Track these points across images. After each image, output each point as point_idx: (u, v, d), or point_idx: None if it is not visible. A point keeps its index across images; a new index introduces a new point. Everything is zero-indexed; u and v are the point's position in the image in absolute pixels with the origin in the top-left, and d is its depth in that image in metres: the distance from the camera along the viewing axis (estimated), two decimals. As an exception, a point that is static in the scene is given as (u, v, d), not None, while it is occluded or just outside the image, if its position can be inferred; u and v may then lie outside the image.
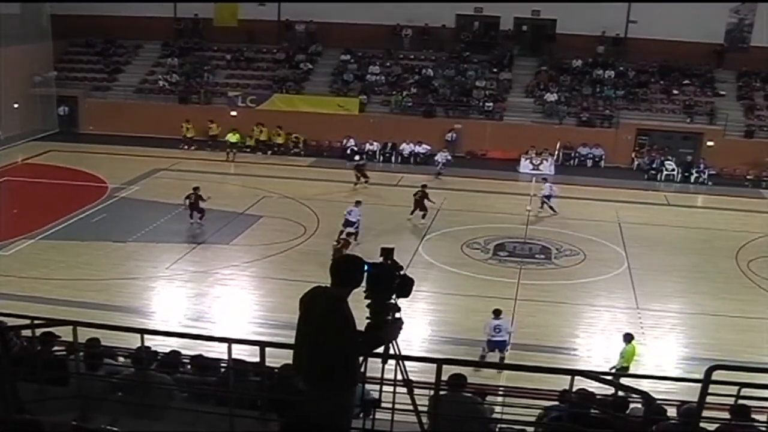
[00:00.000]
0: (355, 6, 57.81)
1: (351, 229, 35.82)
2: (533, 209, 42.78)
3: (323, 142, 55.52)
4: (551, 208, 42.82)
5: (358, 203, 37.33)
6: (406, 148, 54.73)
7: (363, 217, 36.85)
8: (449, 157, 50.98)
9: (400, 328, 8.95)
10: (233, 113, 56.31)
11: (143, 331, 11.90)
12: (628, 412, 12.48)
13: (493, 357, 25.50)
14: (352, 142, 54.50)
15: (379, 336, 8.75)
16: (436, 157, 51.05)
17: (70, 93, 59.44)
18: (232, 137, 53.02)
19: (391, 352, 9.11)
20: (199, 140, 55.36)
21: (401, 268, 9.08)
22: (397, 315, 8.95)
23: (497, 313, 26.18)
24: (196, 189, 38.36)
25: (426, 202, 39.97)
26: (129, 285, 31.42)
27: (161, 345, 14.05)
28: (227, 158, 52.14)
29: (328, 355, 8.30)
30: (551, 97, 57.28)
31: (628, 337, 24.49)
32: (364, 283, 8.59)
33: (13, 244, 35.50)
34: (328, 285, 8.53)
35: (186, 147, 54.66)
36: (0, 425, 8.29)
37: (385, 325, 8.78)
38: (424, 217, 39.97)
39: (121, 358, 13.46)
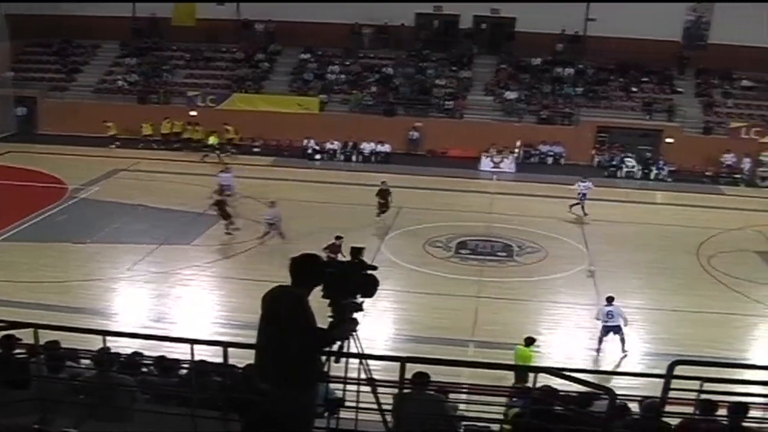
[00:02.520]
0: (315, 5, 57.60)
1: (266, 228, 36.28)
2: (576, 211, 42.65)
3: (283, 142, 55.24)
4: (583, 208, 42.53)
5: (272, 204, 37.12)
6: (367, 147, 54.72)
7: (280, 219, 36.78)
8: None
9: (353, 329, 8.95)
10: (193, 113, 55.98)
11: (105, 333, 11.80)
12: (591, 408, 12.51)
13: (614, 341, 26.83)
14: (312, 141, 54.40)
15: (331, 335, 8.77)
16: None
17: (27, 93, 58.86)
18: (213, 139, 52.79)
19: (354, 350, 9.11)
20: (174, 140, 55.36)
21: (372, 267, 9.10)
22: (355, 315, 8.98)
23: (610, 300, 27.09)
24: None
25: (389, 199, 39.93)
26: (90, 286, 31.17)
27: (123, 346, 13.96)
28: (202, 159, 51.83)
29: (289, 353, 8.30)
30: (511, 95, 57.42)
31: (528, 341, 24.27)
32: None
33: (-28, 246, 35.26)
34: (289, 284, 8.55)
35: (144, 145, 54.43)
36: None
37: (340, 325, 8.80)
38: (379, 215, 39.94)
39: (84, 360, 13.35)
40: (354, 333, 9.06)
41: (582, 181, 42.85)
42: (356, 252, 9.24)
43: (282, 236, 36.17)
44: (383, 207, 39.87)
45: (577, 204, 42.45)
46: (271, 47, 62.51)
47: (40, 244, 35.92)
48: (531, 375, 10.57)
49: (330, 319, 8.78)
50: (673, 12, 56.36)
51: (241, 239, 37.02)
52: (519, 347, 24.07)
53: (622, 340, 26.86)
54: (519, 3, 57.38)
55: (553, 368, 16.25)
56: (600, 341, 26.88)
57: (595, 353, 26.87)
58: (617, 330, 26.84)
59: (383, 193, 40.03)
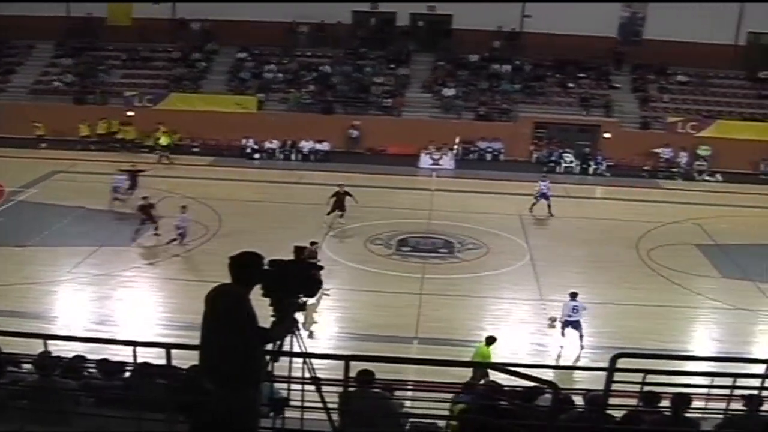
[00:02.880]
0: (251, 4, 57.26)
1: (177, 233, 35.74)
2: (537, 212, 42.40)
3: (222, 142, 54.94)
4: (549, 207, 42.25)
5: (184, 208, 36.83)
6: (306, 145, 54.62)
7: (189, 224, 36.40)
8: None
9: (292, 328, 8.95)
10: (130, 113, 55.54)
11: (46, 337, 11.71)
12: (536, 402, 12.56)
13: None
14: (251, 140, 54.23)
15: (270, 333, 8.77)
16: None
17: (-40, 96, 58.00)
18: (164, 140, 52.45)
19: (297, 349, 9.10)
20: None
21: (318, 267, 9.12)
22: (298, 314, 8.99)
23: (574, 295, 27.40)
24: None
25: (346, 201, 39.34)
26: (30, 290, 30.64)
27: (65, 350, 13.82)
28: (159, 161, 51.44)
29: (231, 353, 8.29)
30: (449, 91, 57.57)
31: (491, 340, 23.90)
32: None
33: None
34: (229, 283, 8.54)
35: (81, 146, 53.98)
36: None
37: (277, 323, 8.80)
38: (342, 216, 39.52)
39: (25, 365, 13.20)
40: (295, 332, 9.06)
41: (542, 180, 42.80)
42: (299, 251, 9.22)
43: (181, 241, 35.78)
44: (341, 209, 39.32)
45: (535, 204, 42.41)
46: (207, 46, 62.14)
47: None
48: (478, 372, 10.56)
49: (272, 318, 8.75)
50: (608, 8, 56.92)
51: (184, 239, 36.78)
52: (479, 346, 23.92)
53: (581, 336, 27.04)
54: (455, 1, 57.61)
55: (497, 364, 16.33)
56: (563, 334, 27.18)
57: (540, 348, 27.06)
58: (577, 325, 27.05)
59: (339, 196, 39.34)
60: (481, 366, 21.38)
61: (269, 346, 8.91)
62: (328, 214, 39.26)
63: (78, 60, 61.24)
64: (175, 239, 35.57)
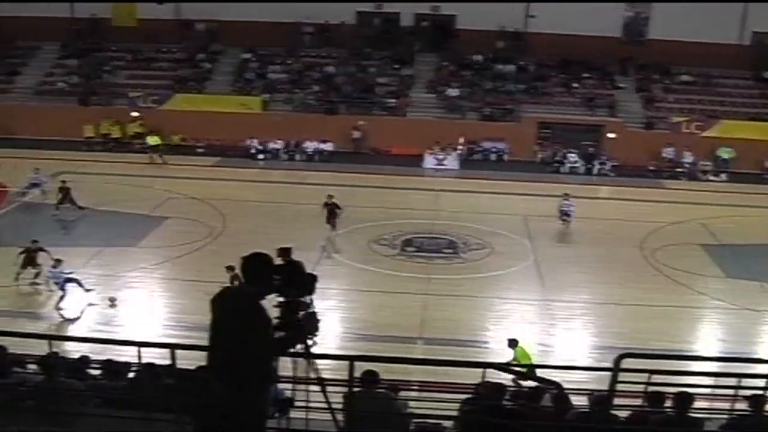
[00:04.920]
0: (255, 4, 57.29)
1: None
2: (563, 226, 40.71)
3: (227, 142, 54.93)
4: (566, 221, 40.45)
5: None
6: (310, 145, 54.62)
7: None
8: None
9: (314, 331, 8.91)
10: (135, 114, 55.58)
11: (51, 337, 11.75)
12: (541, 402, 12.57)
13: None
14: (255, 141, 54.25)
15: (291, 338, 8.71)
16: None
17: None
18: (152, 140, 52.48)
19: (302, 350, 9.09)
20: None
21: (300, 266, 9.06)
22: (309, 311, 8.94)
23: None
24: None
25: (337, 212, 37.89)
26: (36, 291, 30.77)
27: (71, 351, 13.85)
28: (151, 161, 51.60)
29: (248, 356, 8.23)
30: (453, 92, 57.57)
31: (513, 343, 23.96)
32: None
33: None
34: (238, 285, 8.49)
35: (87, 147, 54.01)
36: None
37: (300, 323, 8.75)
38: (334, 229, 37.84)
39: (30, 366, 13.21)
40: (315, 334, 9.03)
41: (564, 200, 40.75)
42: (284, 252, 9.19)
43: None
44: (332, 223, 37.90)
45: (566, 222, 40.54)
46: (212, 47, 62.21)
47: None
48: (480, 371, 10.55)
49: (276, 320, 8.71)
50: (612, 8, 56.87)
51: (187, 240, 36.76)
52: (517, 351, 23.73)
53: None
54: (459, 1, 57.61)
55: (500, 364, 16.34)
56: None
57: (545, 348, 27.04)
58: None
59: (330, 207, 38.00)
60: (486, 367, 21.35)
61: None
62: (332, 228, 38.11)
63: (83, 61, 61.27)
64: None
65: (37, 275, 30.99)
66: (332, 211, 37.80)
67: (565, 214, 40.31)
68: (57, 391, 11.07)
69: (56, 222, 39.29)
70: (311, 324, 8.85)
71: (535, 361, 23.48)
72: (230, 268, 27.70)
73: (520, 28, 59.90)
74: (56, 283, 29.38)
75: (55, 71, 61.04)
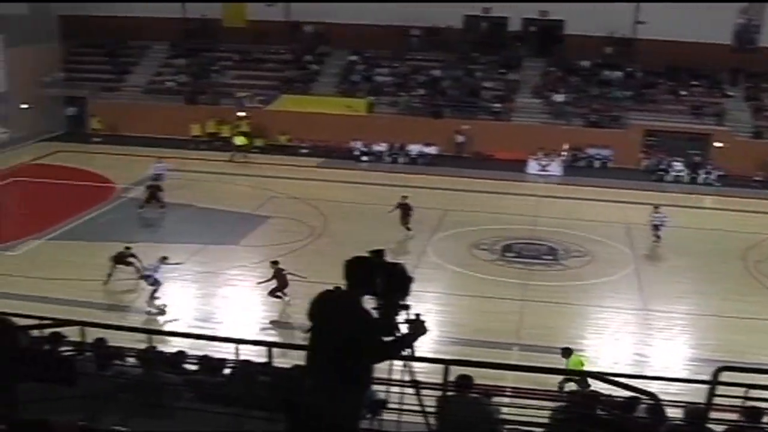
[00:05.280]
0: (363, 6, 57.63)
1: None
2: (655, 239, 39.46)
3: (331, 143, 55.30)
4: (657, 236, 39.23)
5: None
6: (414, 148, 54.71)
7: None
8: None
9: (423, 332, 8.89)
10: (241, 114, 56.25)
11: (151, 332, 11.97)
12: (635, 413, 12.48)
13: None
14: (359, 143, 54.52)
15: (404, 341, 8.71)
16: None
17: (78, 94, 59.45)
18: (239, 140, 53.11)
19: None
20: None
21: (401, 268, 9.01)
22: (412, 314, 8.91)
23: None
24: None
25: (409, 213, 38.55)
26: (137, 286, 31.22)
27: (169, 345, 14.06)
28: (231, 159, 52.27)
29: (351, 358, 8.22)
30: (559, 97, 57.26)
31: (567, 352, 23.62)
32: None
33: (22, 245, 35.62)
34: (339, 288, 8.47)
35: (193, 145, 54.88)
36: (8, 425, 8.29)
37: (409, 326, 8.73)
38: (409, 229, 38.40)
39: (130, 359, 13.46)
40: (422, 335, 8.99)
41: (654, 213, 39.49)
42: (377, 255, 9.13)
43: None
44: (405, 223, 38.49)
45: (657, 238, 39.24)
46: (319, 49, 62.67)
47: (88, 243, 36.21)
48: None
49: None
50: (723, 15, 55.94)
51: (288, 240, 37.07)
52: (569, 361, 23.63)
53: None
54: (568, 5, 57.20)
55: (596, 372, 16.23)
56: None
57: (641, 358, 26.79)
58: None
59: (404, 208, 38.74)
60: (581, 375, 21.23)
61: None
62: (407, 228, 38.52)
63: (191, 60, 62.22)
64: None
65: (138, 271, 31.42)
66: (406, 212, 38.00)
67: (655, 228, 39.04)
68: (154, 384, 11.26)
69: (140, 219, 39.98)
70: (420, 327, 8.83)
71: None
72: (274, 263, 27.96)
73: (628, 33, 59.27)
74: (148, 276, 29.80)
75: (164, 70, 62.18)
